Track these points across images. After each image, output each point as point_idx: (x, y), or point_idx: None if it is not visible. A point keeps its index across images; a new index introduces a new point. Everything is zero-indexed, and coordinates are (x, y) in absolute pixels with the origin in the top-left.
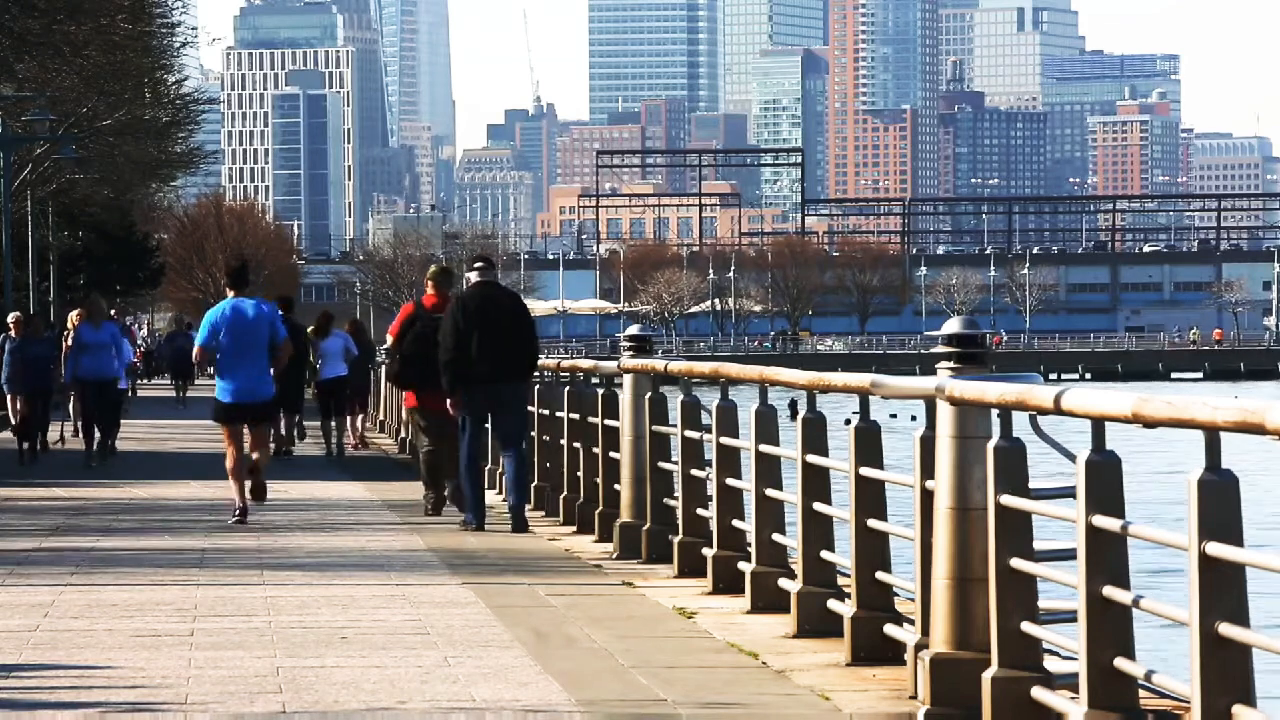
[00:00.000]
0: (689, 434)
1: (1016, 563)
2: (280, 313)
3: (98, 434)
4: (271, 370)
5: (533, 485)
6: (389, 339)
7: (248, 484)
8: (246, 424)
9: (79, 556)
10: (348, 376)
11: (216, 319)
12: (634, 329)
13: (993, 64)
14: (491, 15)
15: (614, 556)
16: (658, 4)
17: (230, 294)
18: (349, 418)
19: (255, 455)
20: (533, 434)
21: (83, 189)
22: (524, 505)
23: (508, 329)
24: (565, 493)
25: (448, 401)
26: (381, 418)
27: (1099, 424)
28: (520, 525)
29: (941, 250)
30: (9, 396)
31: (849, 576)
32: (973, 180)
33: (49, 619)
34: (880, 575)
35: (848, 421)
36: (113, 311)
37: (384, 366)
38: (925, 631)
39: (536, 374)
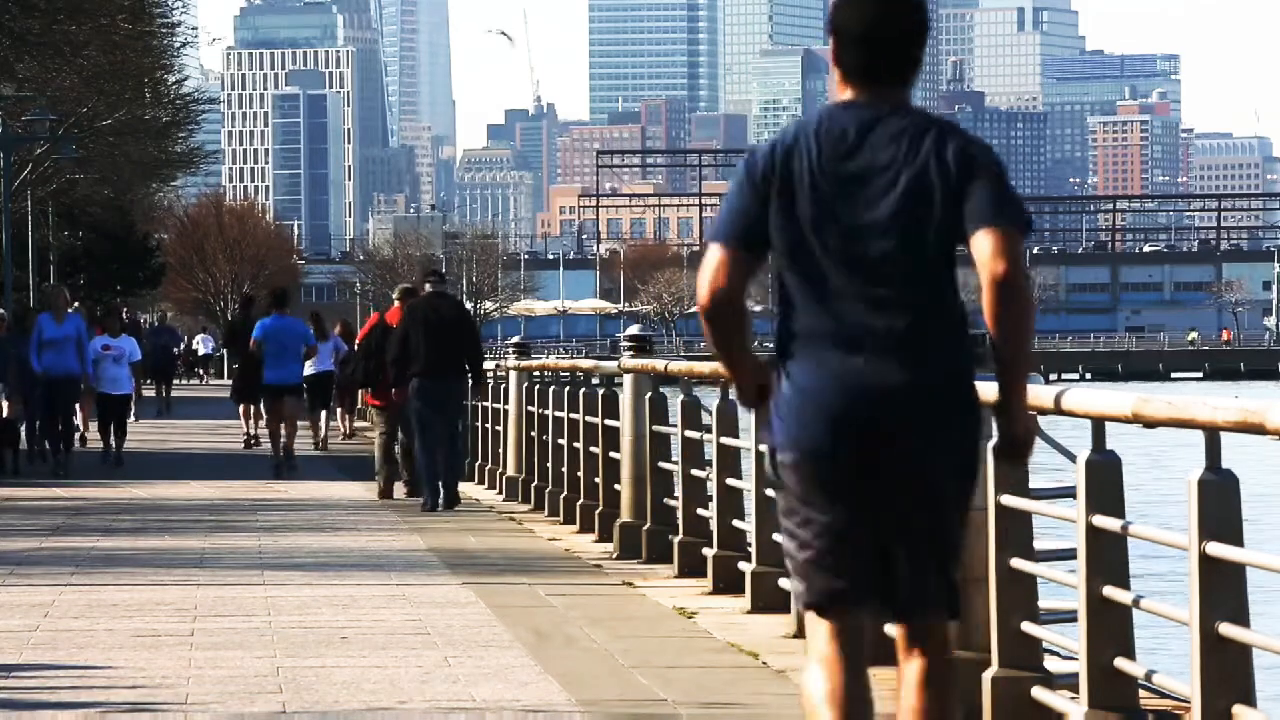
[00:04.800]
0: (689, 434)
1: (1016, 563)
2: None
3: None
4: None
5: (528, 481)
6: (356, 345)
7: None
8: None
9: (79, 556)
10: (334, 373)
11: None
12: (634, 329)
13: (993, 64)
14: (491, 15)
15: (614, 556)
16: (658, 4)
17: (274, 312)
18: (339, 411)
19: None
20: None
21: (83, 189)
22: (457, 484)
23: (449, 334)
24: (565, 492)
25: (393, 392)
26: (360, 406)
27: (1099, 424)
28: (451, 501)
29: None
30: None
31: None
32: None
33: (49, 619)
34: None
35: None
36: (124, 311)
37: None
38: None
39: (537, 373)
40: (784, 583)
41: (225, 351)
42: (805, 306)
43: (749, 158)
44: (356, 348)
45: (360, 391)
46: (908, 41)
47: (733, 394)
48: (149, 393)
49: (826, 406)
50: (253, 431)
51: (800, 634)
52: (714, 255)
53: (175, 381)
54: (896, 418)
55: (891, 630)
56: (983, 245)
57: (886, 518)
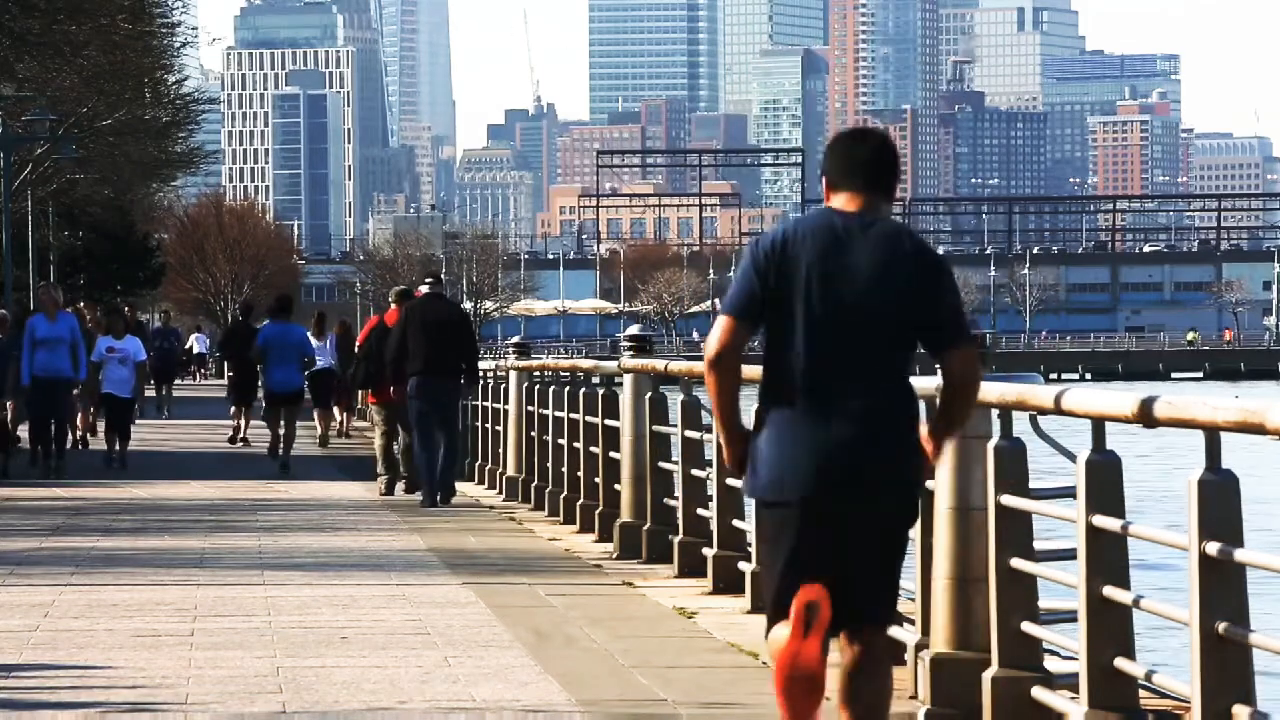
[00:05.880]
0: (689, 434)
1: (1016, 563)
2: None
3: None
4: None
5: (528, 481)
6: (357, 347)
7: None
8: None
9: (79, 556)
10: (334, 370)
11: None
12: (634, 329)
13: (993, 64)
14: (491, 15)
15: (614, 556)
16: (658, 4)
17: (277, 319)
18: (335, 409)
19: (283, 430)
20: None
21: (83, 189)
22: (452, 481)
23: (445, 335)
24: (565, 492)
25: (391, 390)
26: (361, 407)
27: (1099, 424)
28: (446, 497)
29: (941, 250)
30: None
31: None
32: (973, 180)
33: (49, 619)
34: None
35: None
36: (127, 310)
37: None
38: (925, 631)
39: (537, 373)
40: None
41: (220, 354)
42: (786, 376)
43: (754, 246)
44: (357, 350)
45: (361, 392)
46: (889, 169)
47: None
48: (150, 393)
49: (801, 463)
50: (241, 430)
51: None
52: (722, 322)
53: (175, 381)
54: (858, 477)
55: (892, 630)
56: (954, 360)
57: (841, 550)
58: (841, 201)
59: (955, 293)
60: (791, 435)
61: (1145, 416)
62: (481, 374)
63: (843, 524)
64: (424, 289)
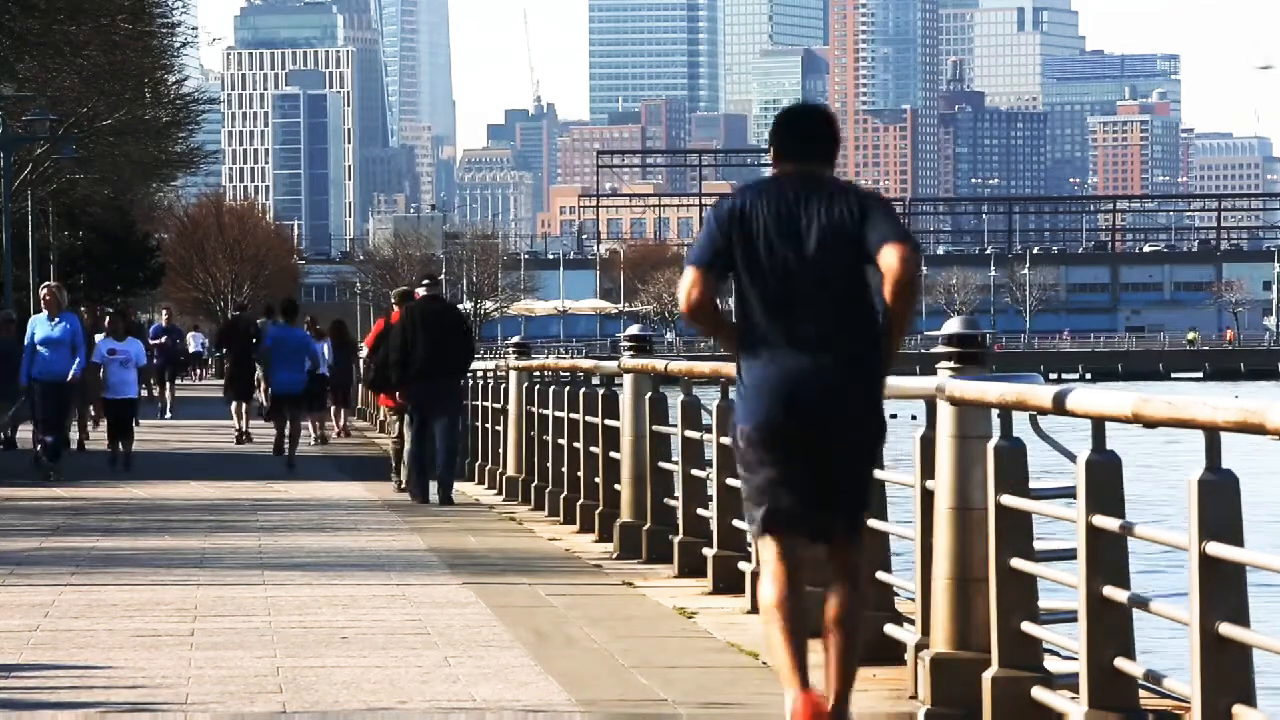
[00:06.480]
0: (689, 434)
1: (1016, 563)
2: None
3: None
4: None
5: (528, 481)
6: (364, 348)
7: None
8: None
9: (79, 556)
10: (324, 374)
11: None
12: (634, 329)
13: (993, 64)
14: (491, 15)
15: (614, 556)
16: (658, 4)
17: (281, 320)
18: (333, 408)
19: (288, 429)
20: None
21: (83, 189)
22: (451, 481)
23: (445, 335)
24: (565, 492)
25: (396, 393)
26: (361, 407)
27: (1099, 424)
28: (445, 498)
29: (942, 250)
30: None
31: None
32: (973, 180)
33: (49, 619)
34: (880, 575)
35: None
36: (128, 310)
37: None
38: (925, 631)
39: (537, 373)
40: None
41: (218, 353)
42: (755, 326)
43: (715, 209)
44: (369, 355)
45: (372, 395)
46: (831, 139)
47: (733, 394)
48: (152, 392)
49: (780, 391)
50: (244, 429)
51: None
52: (690, 273)
53: (177, 380)
54: (832, 399)
55: (892, 630)
56: (889, 256)
57: (823, 467)
58: (790, 169)
59: (893, 215)
60: (765, 374)
61: (1145, 417)
62: (475, 374)
63: (822, 443)
64: (422, 290)
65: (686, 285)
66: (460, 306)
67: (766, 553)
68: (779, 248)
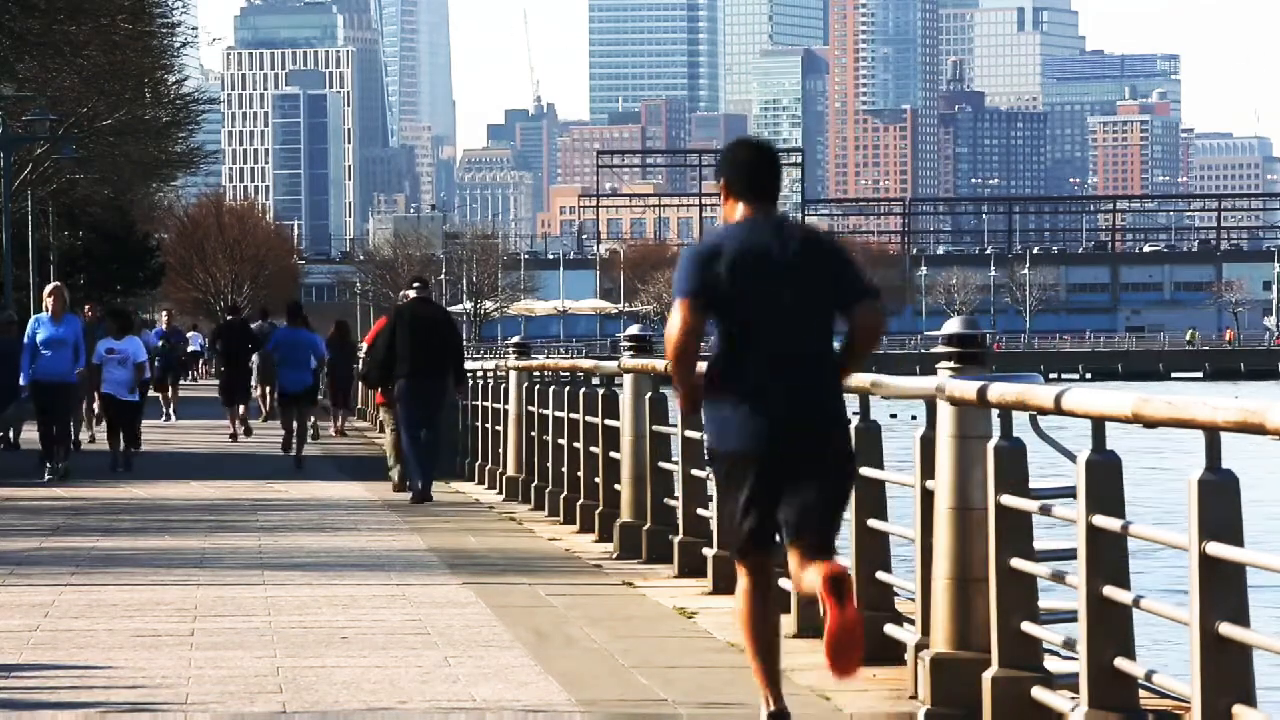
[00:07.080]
0: (689, 434)
1: (1016, 563)
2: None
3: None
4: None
5: (528, 481)
6: (364, 346)
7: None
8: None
9: (79, 556)
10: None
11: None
12: (634, 329)
13: (993, 64)
14: (491, 15)
15: (614, 556)
16: (658, 4)
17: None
18: (331, 409)
19: (294, 423)
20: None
21: (83, 189)
22: (430, 479)
23: (431, 336)
24: (565, 492)
25: (385, 391)
26: (360, 407)
27: (1099, 424)
28: (424, 496)
29: (942, 250)
30: None
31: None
32: (973, 180)
33: (49, 619)
34: (880, 575)
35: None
36: (129, 311)
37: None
38: (925, 631)
39: (537, 373)
40: (783, 583)
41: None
42: (736, 362)
43: (690, 251)
44: (367, 351)
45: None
46: (776, 175)
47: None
48: (152, 393)
49: (756, 420)
50: (236, 430)
51: (800, 634)
52: (679, 306)
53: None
54: (805, 428)
55: (892, 630)
56: (863, 313)
57: (791, 489)
58: (747, 210)
59: (854, 262)
60: (744, 406)
61: (1145, 416)
62: (471, 374)
63: (795, 467)
64: (411, 293)
65: (678, 318)
66: (460, 307)
67: (741, 574)
68: (755, 287)
